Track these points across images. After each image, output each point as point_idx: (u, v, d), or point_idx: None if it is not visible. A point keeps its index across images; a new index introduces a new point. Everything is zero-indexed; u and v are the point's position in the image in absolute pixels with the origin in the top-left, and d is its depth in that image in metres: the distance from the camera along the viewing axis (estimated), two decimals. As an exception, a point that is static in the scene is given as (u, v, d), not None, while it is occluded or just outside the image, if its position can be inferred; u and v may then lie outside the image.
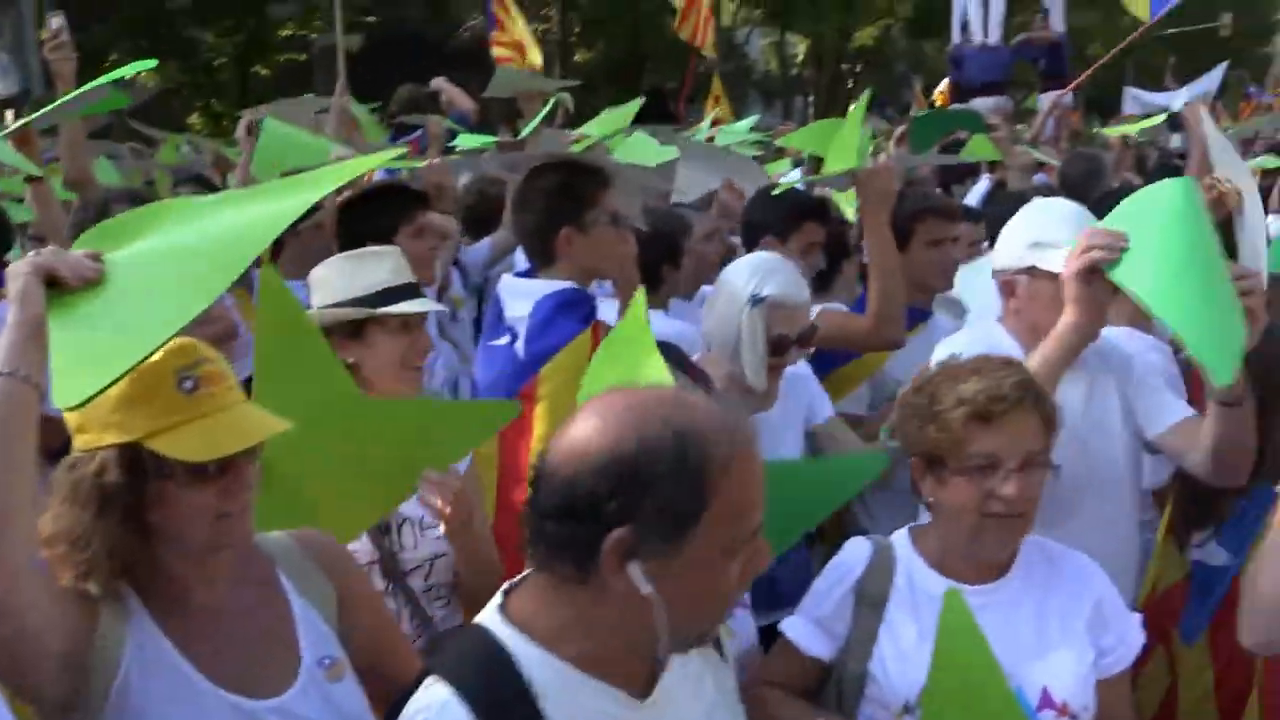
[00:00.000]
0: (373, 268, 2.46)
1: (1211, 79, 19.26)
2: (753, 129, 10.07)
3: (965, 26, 15.26)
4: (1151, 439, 2.48)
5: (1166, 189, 2.20)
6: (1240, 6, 49.41)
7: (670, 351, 2.33)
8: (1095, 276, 2.13)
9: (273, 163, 4.14)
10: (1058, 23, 15.12)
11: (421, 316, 2.52)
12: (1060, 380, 2.37)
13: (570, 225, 2.83)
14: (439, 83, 6.83)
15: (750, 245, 3.58)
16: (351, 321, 2.39)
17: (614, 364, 2.02)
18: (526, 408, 2.68)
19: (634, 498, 1.22)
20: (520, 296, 2.87)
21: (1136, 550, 2.61)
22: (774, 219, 3.56)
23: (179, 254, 1.62)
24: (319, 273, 2.52)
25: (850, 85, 37.56)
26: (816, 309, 3.27)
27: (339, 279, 2.45)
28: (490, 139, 5.77)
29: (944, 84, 16.15)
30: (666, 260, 3.70)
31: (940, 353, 2.44)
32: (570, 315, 2.79)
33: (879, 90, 40.28)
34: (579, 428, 1.29)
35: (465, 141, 5.69)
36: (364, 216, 3.32)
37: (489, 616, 1.40)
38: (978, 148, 5.85)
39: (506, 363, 2.84)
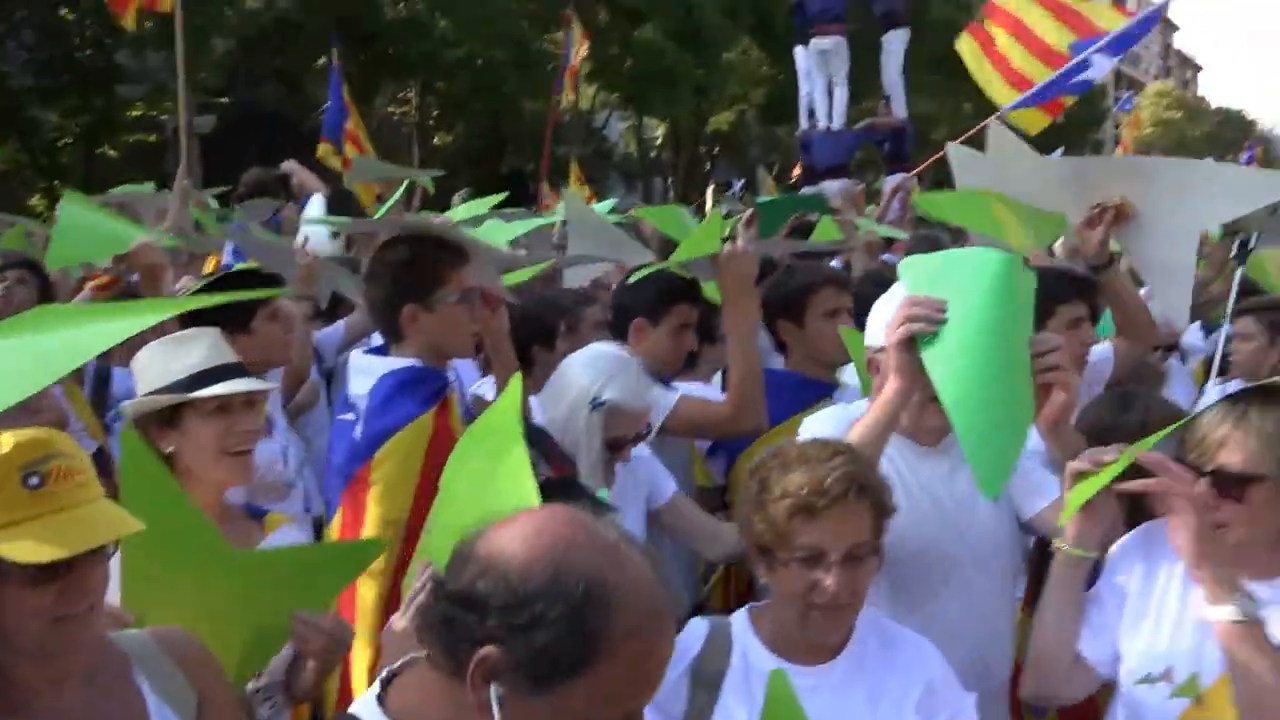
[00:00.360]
0: (187, 350, 2.37)
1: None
2: (613, 210, 10.24)
3: (812, 112, 15.90)
4: (1025, 521, 2.47)
5: (990, 261, 2.18)
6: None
7: (539, 439, 2.33)
8: (914, 344, 2.13)
9: (68, 253, 3.89)
10: (900, 109, 15.83)
11: (248, 398, 2.41)
12: (924, 456, 2.42)
13: (415, 302, 2.73)
14: (290, 165, 6.67)
15: (620, 329, 3.50)
16: (168, 408, 2.30)
17: (478, 450, 1.97)
18: (361, 491, 2.59)
19: (519, 626, 1.18)
20: (363, 374, 2.77)
21: (1009, 624, 2.56)
22: (644, 302, 3.46)
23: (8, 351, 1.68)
24: (138, 360, 2.43)
25: (708, 167, 38.75)
26: (679, 391, 3.25)
27: (155, 365, 2.37)
28: (345, 219, 5.69)
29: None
30: (539, 342, 3.64)
31: (805, 431, 2.44)
32: (410, 396, 2.68)
33: (736, 173, 41.73)
34: (514, 528, 1.25)
35: (315, 221, 5.58)
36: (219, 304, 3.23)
37: (367, 708, 1.34)
38: (825, 231, 6.05)
39: (348, 443, 2.73)
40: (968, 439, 2.03)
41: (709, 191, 26.14)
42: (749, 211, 3.81)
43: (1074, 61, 6.37)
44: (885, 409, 2.18)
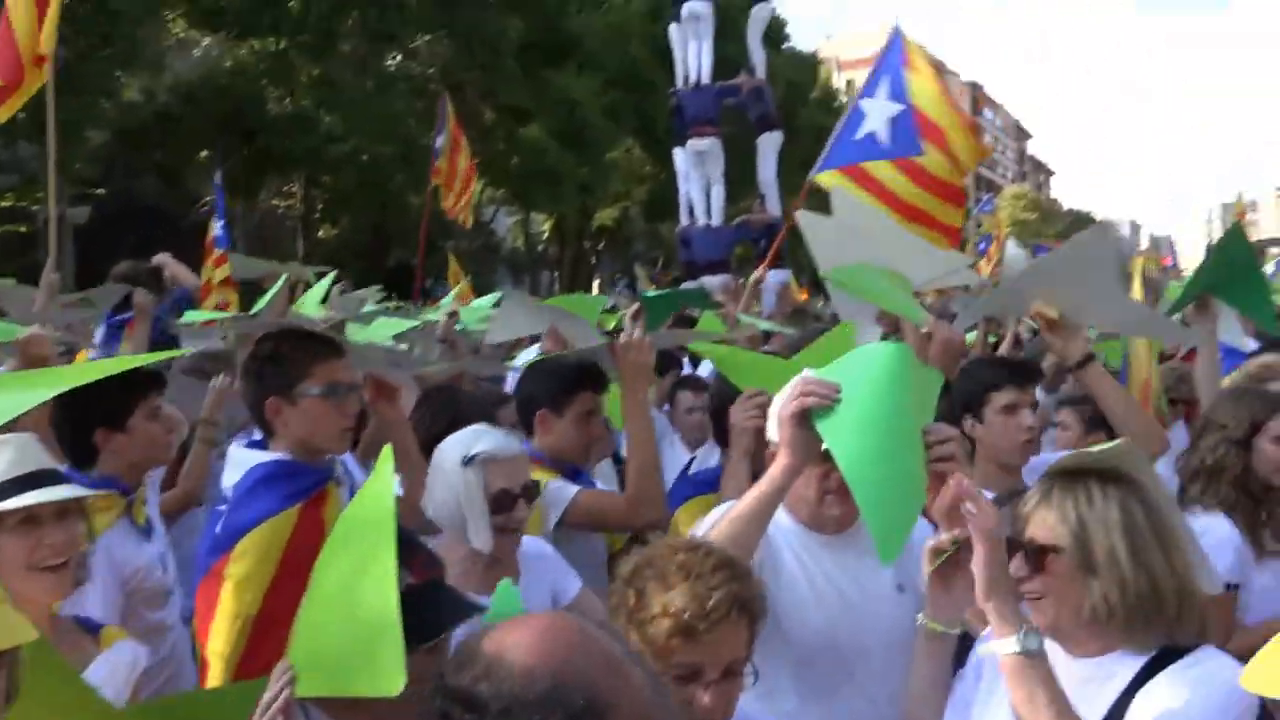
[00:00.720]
0: None
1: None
2: (496, 305, 10.37)
3: (691, 210, 16.49)
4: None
5: (881, 351, 2.23)
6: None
7: (405, 541, 2.31)
8: (806, 420, 2.09)
9: None
10: (774, 207, 16.51)
11: (62, 507, 2.23)
12: (828, 545, 2.39)
13: (278, 395, 2.70)
14: (162, 258, 6.53)
15: (527, 421, 3.41)
16: None
17: (346, 547, 1.88)
18: (215, 585, 2.54)
19: None
20: (235, 466, 2.75)
21: None
22: (545, 392, 3.37)
23: None
24: None
25: (593, 261, 39.42)
26: (575, 486, 3.20)
27: None
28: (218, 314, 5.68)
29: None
30: (448, 432, 3.67)
31: (708, 519, 2.41)
32: (272, 490, 2.63)
33: (620, 267, 42.26)
34: (521, 631, 1.20)
35: (190, 318, 5.53)
36: (95, 398, 2.98)
37: None
38: (707, 324, 6.22)
39: (210, 535, 2.67)
40: (865, 500, 2.01)
41: (595, 285, 26.60)
42: (635, 305, 3.90)
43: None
44: (772, 484, 2.15)
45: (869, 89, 5.98)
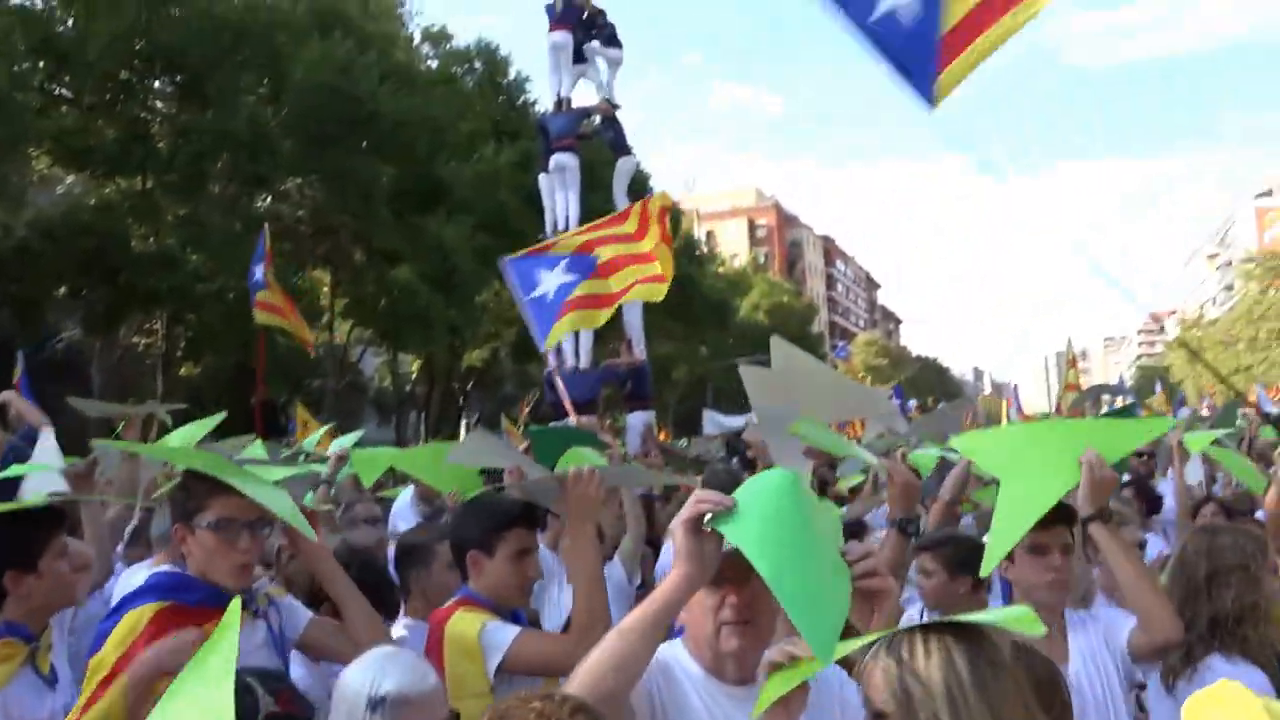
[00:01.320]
0: None
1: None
2: (358, 444, 10.45)
3: (559, 351, 16.93)
4: None
5: (774, 476, 2.13)
6: (794, 343, 58.58)
7: (276, 675, 2.36)
8: (701, 530, 2.00)
9: None
10: (640, 350, 17.06)
11: None
12: (734, 696, 2.22)
13: (181, 522, 2.86)
14: (7, 395, 6.48)
15: (460, 561, 3.32)
16: None
17: (188, 687, 1.77)
18: (82, 681, 2.68)
19: None
20: (127, 583, 3.01)
21: None
22: (475, 533, 3.28)
23: None
24: None
25: (461, 402, 39.50)
26: (516, 629, 3.13)
27: None
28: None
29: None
30: (384, 596, 3.61)
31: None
32: (147, 594, 2.78)
33: (488, 407, 41.92)
34: None
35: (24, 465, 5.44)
36: (4, 538, 2.98)
37: None
38: (588, 459, 6.64)
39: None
40: (785, 593, 1.87)
41: (463, 426, 26.64)
42: (524, 443, 4.03)
43: None
44: (664, 594, 2.00)
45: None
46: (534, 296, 7.10)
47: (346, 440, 9.92)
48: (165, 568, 2.92)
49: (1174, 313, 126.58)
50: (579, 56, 17.63)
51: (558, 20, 17.45)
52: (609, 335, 22.98)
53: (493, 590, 3.20)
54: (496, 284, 34.27)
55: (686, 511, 2.00)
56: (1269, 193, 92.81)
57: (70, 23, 23.93)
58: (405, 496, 7.03)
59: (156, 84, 26.37)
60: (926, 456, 6.82)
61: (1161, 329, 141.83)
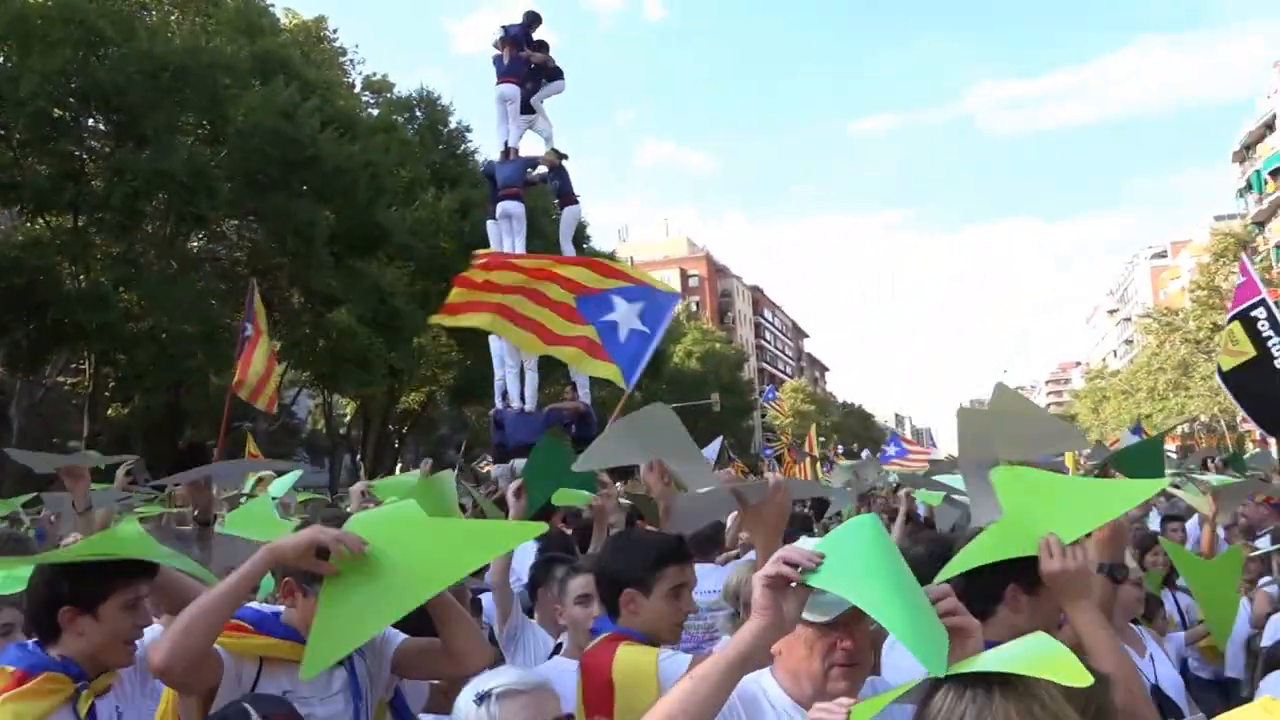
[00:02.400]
0: None
1: (712, 449, 23.07)
2: (296, 485, 10.43)
3: (505, 394, 17.11)
4: None
5: (856, 523, 2.15)
6: (726, 388, 59.39)
7: (273, 700, 2.41)
8: (782, 586, 2.01)
9: None
10: (584, 394, 17.33)
11: None
12: None
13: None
14: None
15: (611, 602, 3.23)
16: None
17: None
18: None
19: None
20: None
21: None
22: (631, 570, 3.18)
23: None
24: None
25: (397, 445, 39.23)
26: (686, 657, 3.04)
27: None
28: None
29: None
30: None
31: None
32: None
33: (424, 450, 41.62)
34: None
35: None
36: (72, 576, 2.89)
37: None
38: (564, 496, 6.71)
39: None
40: (899, 628, 1.90)
41: (398, 469, 26.51)
42: (516, 483, 3.89)
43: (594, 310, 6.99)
44: (743, 647, 1.99)
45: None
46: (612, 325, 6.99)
47: (286, 481, 9.91)
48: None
49: (1079, 364, 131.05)
50: (526, 108, 18.07)
51: (505, 73, 17.87)
52: (554, 378, 23.24)
53: (649, 627, 3.11)
54: (435, 327, 34.39)
55: (770, 569, 2.02)
56: (1164, 254, 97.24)
57: (2, 60, 23.64)
58: None
59: (90, 121, 26.09)
60: (932, 495, 7.21)
61: (1068, 379, 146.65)
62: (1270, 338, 7.78)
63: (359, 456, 36.37)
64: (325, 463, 37.50)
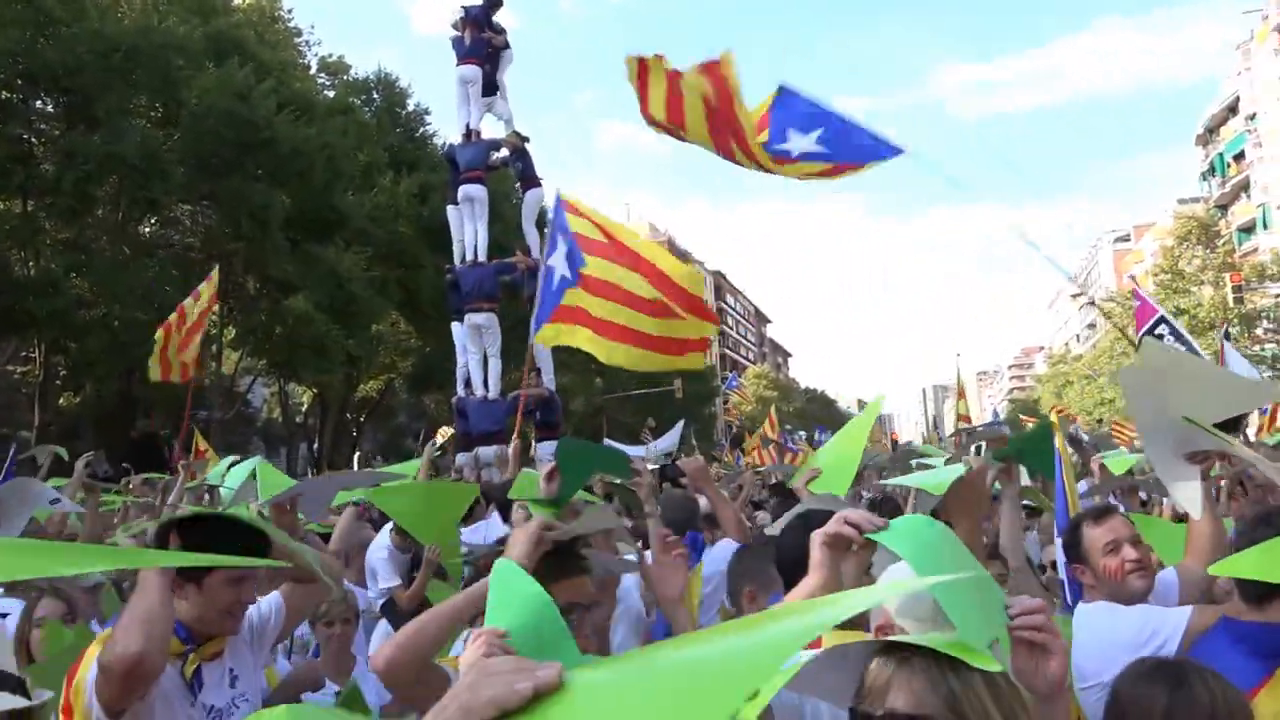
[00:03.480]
0: None
1: (673, 435, 23.01)
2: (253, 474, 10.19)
3: (468, 381, 16.91)
4: None
5: (913, 522, 2.05)
6: (688, 374, 59.41)
7: None
8: (842, 546, 2.04)
9: None
10: (549, 380, 17.15)
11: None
12: None
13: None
14: None
15: (734, 596, 3.32)
16: None
17: None
18: None
19: None
20: None
21: None
22: (758, 570, 3.19)
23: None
24: None
25: (354, 433, 38.79)
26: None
27: None
28: None
29: (448, 431, 17.52)
30: None
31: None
32: None
33: (383, 438, 41.20)
34: None
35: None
36: (187, 545, 3.00)
37: None
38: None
39: None
40: (947, 600, 1.74)
41: (356, 458, 26.17)
42: (550, 466, 3.68)
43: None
44: (806, 593, 2.06)
45: (549, 251, 6.99)
46: (548, 264, 6.85)
47: (241, 469, 9.67)
48: None
49: (1042, 349, 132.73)
50: (488, 90, 17.83)
51: (466, 54, 17.62)
52: (518, 365, 23.02)
53: None
54: (394, 313, 34.01)
55: (832, 527, 2.05)
56: (1126, 237, 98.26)
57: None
58: (383, 537, 6.30)
59: (39, 104, 25.42)
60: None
61: (1031, 364, 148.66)
62: (1179, 349, 8.07)
63: (315, 445, 35.95)
64: (281, 452, 37.02)
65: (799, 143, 5.85)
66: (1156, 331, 8.94)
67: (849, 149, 5.78)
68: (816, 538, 2.06)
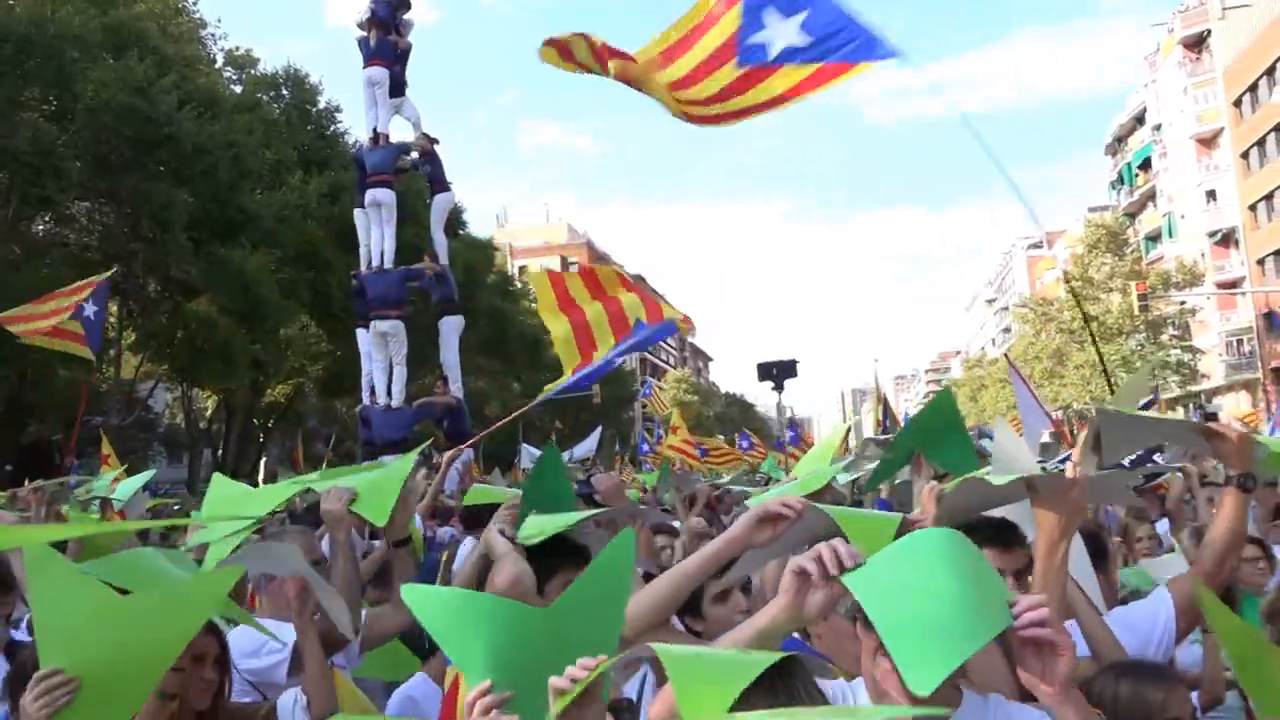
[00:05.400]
0: None
1: (591, 441, 22.82)
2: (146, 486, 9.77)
3: (372, 389, 16.55)
4: None
5: (927, 538, 1.97)
6: (606, 380, 59.32)
7: None
8: (806, 580, 1.95)
9: None
10: (456, 387, 16.89)
11: None
12: None
13: None
14: None
15: None
16: None
17: None
18: None
19: None
20: None
21: None
22: None
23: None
24: None
25: (261, 439, 37.74)
26: None
27: None
28: None
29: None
30: None
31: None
32: None
33: (291, 444, 40.23)
34: None
35: None
36: None
37: None
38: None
39: None
40: (888, 630, 1.79)
41: (263, 465, 25.43)
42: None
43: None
44: (770, 624, 2.03)
45: None
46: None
47: (135, 482, 9.22)
48: None
49: (959, 353, 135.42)
50: (395, 91, 17.46)
51: (373, 55, 17.26)
52: (423, 371, 22.58)
53: None
54: (303, 317, 33.11)
55: (804, 560, 1.96)
56: (1040, 244, 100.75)
57: None
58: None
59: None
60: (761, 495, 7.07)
61: (948, 368, 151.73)
62: None
63: (219, 452, 34.88)
64: (184, 458, 35.88)
65: (779, 30, 5.21)
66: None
67: (838, 42, 5.07)
68: (789, 571, 1.98)
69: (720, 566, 2.37)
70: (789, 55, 5.19)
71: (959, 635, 1.73)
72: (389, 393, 16.44)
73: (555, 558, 3.03)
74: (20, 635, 4.01)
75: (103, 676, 2.03)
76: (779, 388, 22.15)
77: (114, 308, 30.84)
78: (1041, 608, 1.80)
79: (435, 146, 17.62)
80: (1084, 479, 2.68)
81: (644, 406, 67.37)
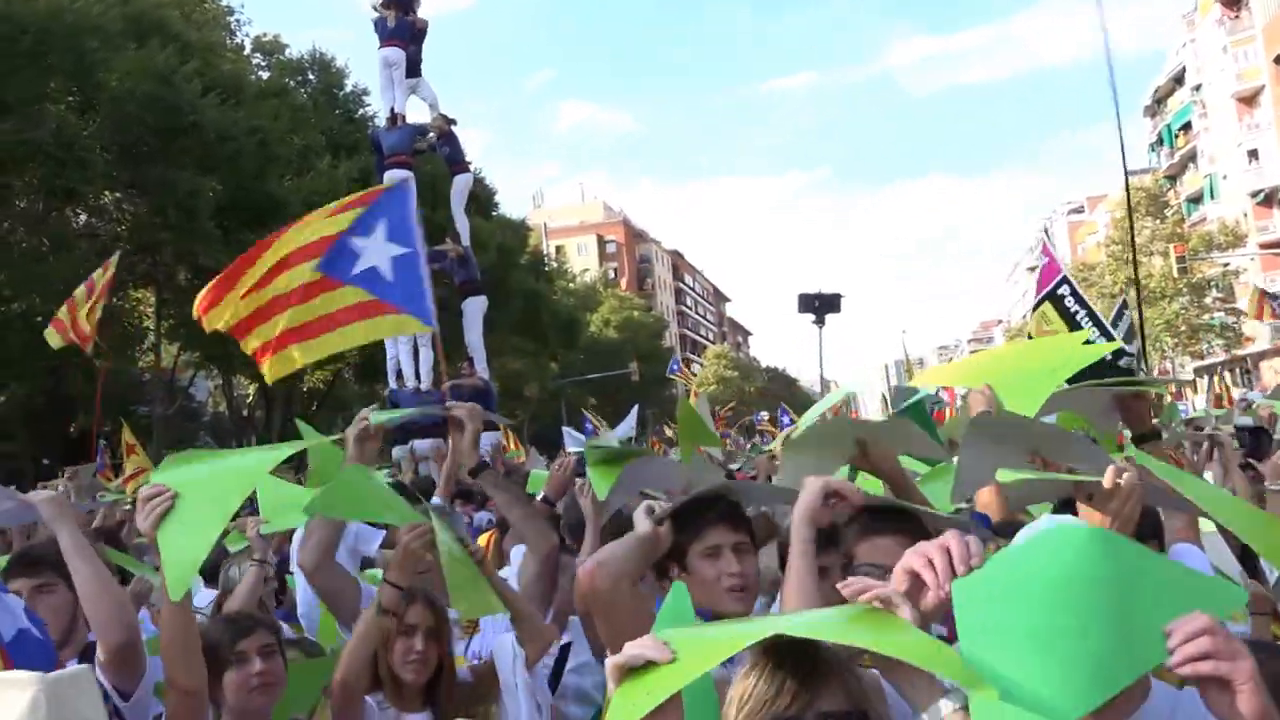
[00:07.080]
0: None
1: (630, 421, 22.56)
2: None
3: (400, 373, 16.36)
4: None
5: (1060, 535, 1.55)
6: (645, 357, 59.07)
7: None
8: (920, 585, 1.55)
9: None
10: (482, 369, 16.68)
11: None
12: None
13: None
14: None
15: None
16: None
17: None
18: None
19: None
20: None
21: None
22: None
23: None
24: None
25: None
26: None
27: None
28: None
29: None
30: None
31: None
32: None
33: (334, 429, 40.53)
34: None
35: None
36: None
37: None
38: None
39: None
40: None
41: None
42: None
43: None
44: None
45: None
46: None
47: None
48: None
49: (1000, 322, 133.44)
50: (412, 71, 17.15)
51: (389, 36, 16.96)
52: (451, 356, 22.35)
53: None
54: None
55: (918, 565, 1.53)
56: (1080, 209, 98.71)
57: None
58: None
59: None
60: (869, 482, 6.75)
61: (990, 338, 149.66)
62: (1077, 312, 7.58)
63: (264, 440, 35.11)
64: (231, 447, 36.17)
65: (372, 250, 5.53)
66: (1058, 293, 8.54)
67: (402, 294, 5.50)
68: (902, 562, 1.57)
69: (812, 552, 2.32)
70: (367, 279, 5.48)
71: (1071, 691, 1.32)
72: (417, 375, 16.27)
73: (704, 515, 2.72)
74: None
75: (195, 495, 2.58)
76: (820, 321, 21.20)
77: (150, 297, 31.05)
78: (1201, 636, 1.36)
79: (453, 127, 17.31)
80: (1139, 486, 2.17)
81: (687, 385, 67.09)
